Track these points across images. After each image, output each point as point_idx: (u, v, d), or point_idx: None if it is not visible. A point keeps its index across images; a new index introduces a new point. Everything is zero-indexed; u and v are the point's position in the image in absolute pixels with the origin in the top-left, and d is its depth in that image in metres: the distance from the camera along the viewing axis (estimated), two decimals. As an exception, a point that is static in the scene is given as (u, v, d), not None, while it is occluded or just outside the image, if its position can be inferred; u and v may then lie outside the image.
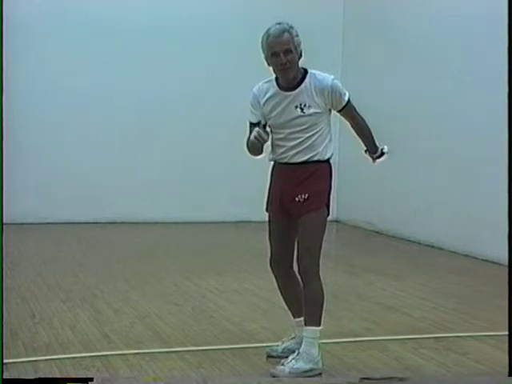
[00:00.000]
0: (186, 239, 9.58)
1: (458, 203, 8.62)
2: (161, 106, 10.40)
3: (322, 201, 4.33)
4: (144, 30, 10.29)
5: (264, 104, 4.31)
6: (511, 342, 3.76)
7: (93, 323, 5.38)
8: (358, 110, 4.41)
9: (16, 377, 4.04)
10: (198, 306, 5.98)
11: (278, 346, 4.63)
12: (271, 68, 4.29)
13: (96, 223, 10.19)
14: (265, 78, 4.38)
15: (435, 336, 5.23)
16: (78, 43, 10.09)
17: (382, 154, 4.47)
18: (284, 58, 4.17)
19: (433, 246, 8.96)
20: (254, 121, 4.32)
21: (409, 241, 9.39)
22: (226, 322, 5.46)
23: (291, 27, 4.23)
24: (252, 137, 4.24)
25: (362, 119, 4.43)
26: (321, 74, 4.29)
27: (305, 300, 4.31)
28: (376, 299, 6.34)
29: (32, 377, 4.10)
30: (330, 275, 6.24)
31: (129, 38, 10.23)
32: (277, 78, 4.30)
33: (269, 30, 4.22)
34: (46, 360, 4.47)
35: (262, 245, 4.96)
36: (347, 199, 10.41)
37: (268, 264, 4.52)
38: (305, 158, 4.28)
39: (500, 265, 7.21)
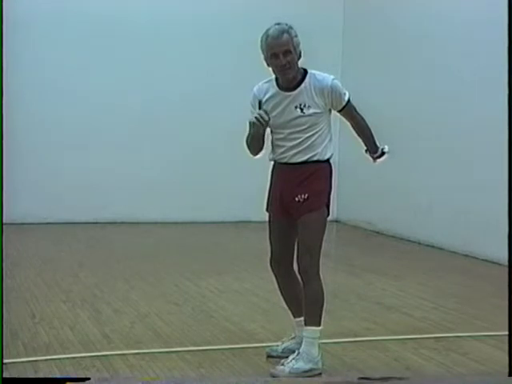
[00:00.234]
0: (186, 239, 9.58)
1: (458, 203, 8.62)
2: (161, 106, 10.40)
3: (322, 201, 4.33)
4: (144, 30, 10.29)
5: (264, 104, 4.31)
6: (511, 342, 3.75)
7: (93, 323, 5.38)
8: (358, 109, 4.41)
9: (16, 377, 4.04)
10: (198, 306, 5.98)
11: (278, 346, 4.63)
12: (271, 68, 4.29)
13: (96, 223, 10.19)
14: (265, 78, 4.38)
15: (435, 336, 5.23)
16: (77, 43, 10.09)
17: (383, 153, 4.47)
18: (283, 59, 4.16)
19: (433, 246, 8.96)
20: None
21: (409, 241, 9.39)
22: (225, 322, 5.46)
23: (290, 27, 4.22)
24: (253, 118, 4.22)
25: (363, 119, 4.43)
26: (321, 74, 4.29)
27: (305, 300, 4.31)
28: (376, 299, 6.34)
29: (32, 377, 4.11)
30: (329, 275, 6.24)
31: (129, 38, 10.24)
32: (277, 78, 4.30)
33: (268, 30, 4.21)
34: (46, 360, 4.47)
35: (262, 245, 4.96)
36: (347, 199, 10.42)
37: (268, 264, 4.52)
38: (304, 158, 4.28)
39: (500, 265, 7.22)
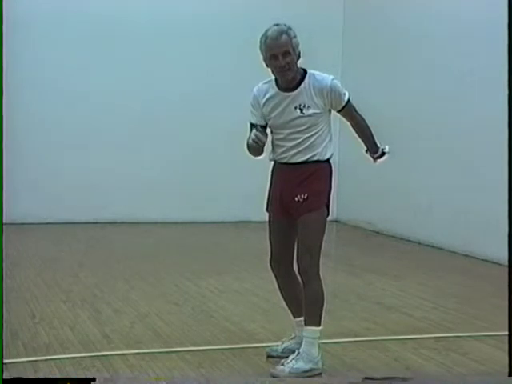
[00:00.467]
0: (186, 239, 9.58)
1: (458, 203, 8.62)
2: (161, 106, 10.41)
3: (322, 201, 4.33)
4: (144, 30, 10.29)
5: (264, 105, 4.31)
6: (511, 342, 3.76)
7: (93, 323, 5.38)
8: (357, 109, 4.41)
9: (16, 377, 4.03)
10: (198, 306, 5.98)
11: (277, 346, 4.63)
12: (270, 69, 4.29)
13: (96, 223, 10.19)
14: (265, 78, 4.38)
15: (435, 336, 5.23)
16: (77, 43, 10.09)
17: (383, 153, 4.47)
18: (283, 60, 4.16)
19: (433, 246, 8.96)
20: (254, 121, 4.33)
21: (409, 241, 9.39)
22: (225, 322, 5.46)
23: (289, 28, 4.22)
24: (250, 140, 4.24)
25: (363, 119, 4.43)
26: (320, 75, 4.28)
27: (305, 300, 4.31)
28: (376, 299, 6.34)
29: (32, 377, 4.10)
30: (329, 275, 6.25)
31: (129, 38, 10.24)
32: (276, 79, 4.30)
33: (267, 31, 4.21)
34: (46, 360, 4.47)
35: (262, 245, 4.96)
36: (347, 199, 10.42)
37: (268, 264, 4.52)
38: (304, 158, 4.28)
39: (500, 265, 7.22)
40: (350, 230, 10.52)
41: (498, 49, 4.86)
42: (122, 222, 10.31)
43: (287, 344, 4.58)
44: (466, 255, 8.35)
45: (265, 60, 4.25)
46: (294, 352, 4.35)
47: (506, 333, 3.81)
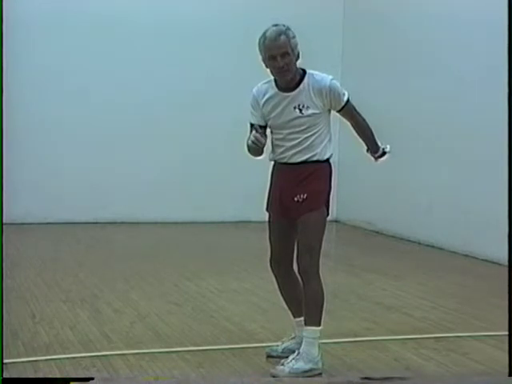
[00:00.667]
0: (185, 239, 9.58)
1: (458, 203, 8.62)
2: (161, 106, 10.41)
3: (321, 201, 4.32)
4: (144, 30, 10.29)
5: (263, 105, 4.32)
6: (511, 342, 3.76)
7: (93, 323, 5.38)
8: (358, 109, 4.40)
9: (16, 377, 4.04)
10: (198, 306, 5.98)
11: (278, 346, 4.63)
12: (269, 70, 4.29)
13: (96, 223, 10.19)
14: (265, 78, 4.38)
15: (435, 336, 5.23)
16: (78, 43, 10.09)
17: (384, 153, 4.47)
18: (281, 61, 4.16)
19: (433, 246, 8.96)
20: (254, 122, 4.33)
21: (409, 241, 9.39)
22: (225, 322, 5.46)
23: (288, 29, 4.21)
24: (249, 141, 4.24)
25: (363, 119, 4.42)
26: (319, 75, 4.28)
27: (305, 300, 4.31)
28: (376, 299, 6.34)
29: (32, 377, 4.11)
30: (329, 275, 6.24)
31: (129, 38, 10.24)
32: (276, 79, 4.30)
33: (265, 32, 4.20)
34: (46, 360, 4.47)
35: (262, 245, 4.96)
36: (347, 199, 10.42)
37: (268, 264, 4.53)
38: (303, 158, 4.28)
39: (500, 265, 7.21)
40: (349, 230, 10.52)
41: (497, 49, 4.86)
42: (122, 222, 10.31)
43: (287, 344, 4.58)
44: (466, 255, 8.35)
45: (264, 60, 4.25)
46: (294, 352, 4.35)
47: (506, 333, 3.82)
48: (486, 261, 7.93)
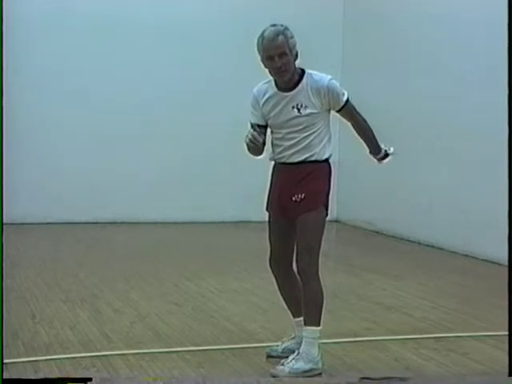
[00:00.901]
0: (185, 239, 9.58)
1: (458, 203, 8.62)
2: (161, 106, 10.41)
3: (320, 200, 4.32)
4: (144, 30, 10.29)
5: (263, 104, 4.32)
6: (511, 342, 3.76)
7: (93, 323, 5.38)
8: (358, 110, 4.40)
9: (16, 377, 4.04)
10: (198, 306, 5.98)
11: (277, 346, 4.63)
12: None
13: (96, 223, 10.19)
14: (264, 78, 4.39)
15: (435, 336, 5.23)
16: (78, 43, 10.10)
17: (387, 155, 4.46)
18: (279, 61, 4.15)
19: (433, 246, 8.96)
20: (254, 121, 4.34)
21: (409, 241, 9.39)
22: (225, 322, 5.46)
23: (286, 29, 4.21)
24: (247, 140, 4.24)
25: (364, 120, 4.41)
26: (318, 75, 4.28)
27: (304, 300, 4.31)
28: (376, 299, 6.34)
29: (32, 377, 4.11)
30: (329, 275, 6.24)
31: (129, 38, 10.24)
32: (275, 79, 4.30)
33: (263, 32, 4.20)
34: (46, 360, 4.47)
35: (262, 245, 4.96)
36: (347, 199, 10.42)
37: (268, 264, 4.53)
38: (302, 158, 4.28)
39: (500, 265, 7.21)
40: (349, 229, 10.51)
41: (498, 49, 4.86)
42: (122, 222, 10.31)
43: (287, 344, 4.58)
44: (466, 255, 8.34)
45: (262, 61, 4.25)
46: (293, 352, 4.35)
47: (506, 333, 3.82)
48: (486, 261, 7.93)
